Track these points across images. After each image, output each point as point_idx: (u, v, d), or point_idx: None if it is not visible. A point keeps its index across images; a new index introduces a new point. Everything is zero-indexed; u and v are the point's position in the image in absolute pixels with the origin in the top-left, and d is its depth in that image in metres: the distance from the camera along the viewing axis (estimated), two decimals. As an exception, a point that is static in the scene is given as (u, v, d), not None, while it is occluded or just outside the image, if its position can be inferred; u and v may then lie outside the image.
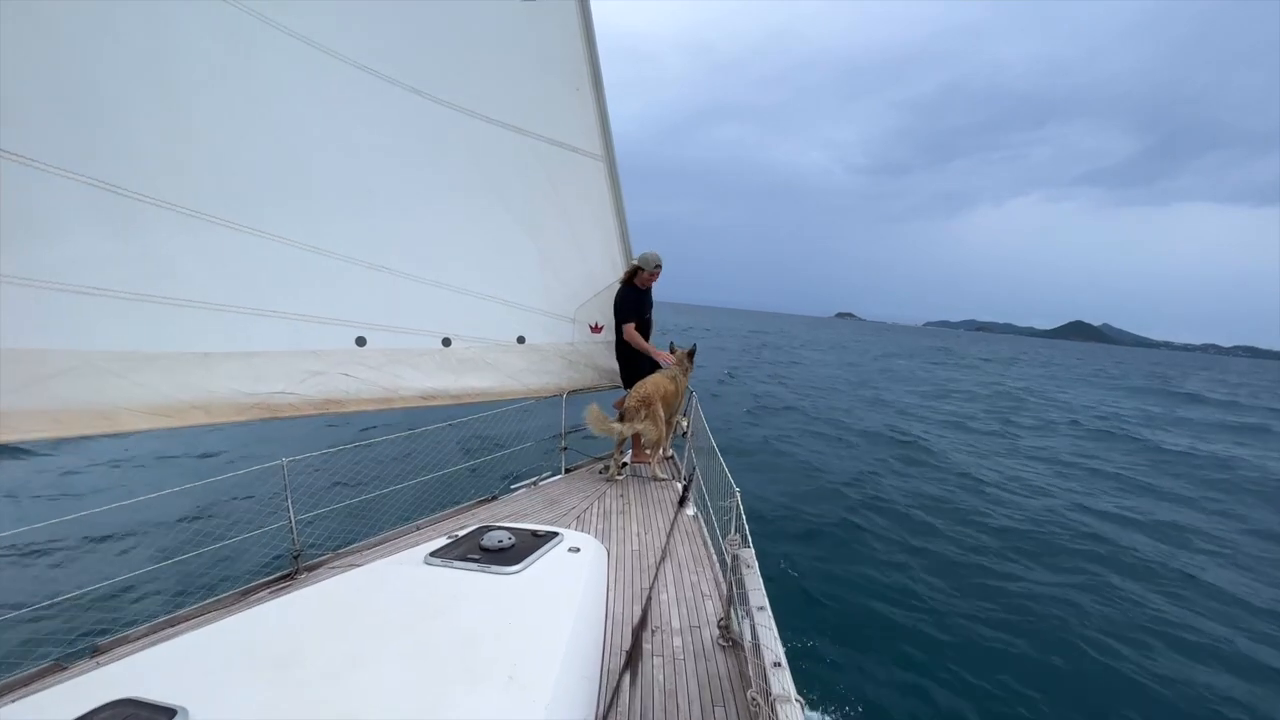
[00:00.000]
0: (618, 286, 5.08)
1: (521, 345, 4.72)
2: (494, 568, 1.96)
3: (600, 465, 4.64)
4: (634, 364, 4.80)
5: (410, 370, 4.16)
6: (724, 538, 2.80)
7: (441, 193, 4.20)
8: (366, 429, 8.38)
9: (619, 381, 5.19)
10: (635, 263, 4.87)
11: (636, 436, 4.43)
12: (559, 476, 4.62)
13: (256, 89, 3.27)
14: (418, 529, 3.61)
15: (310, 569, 3.05)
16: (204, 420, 3.24)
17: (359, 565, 2.76)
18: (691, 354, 5.06)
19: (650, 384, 4.45)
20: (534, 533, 2.36)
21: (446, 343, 4.34)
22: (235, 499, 5.72)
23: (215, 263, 3.27)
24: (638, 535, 3.47)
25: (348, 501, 3.64)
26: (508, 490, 4.27)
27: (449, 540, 2.28)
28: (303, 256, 3.64)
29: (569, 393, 4.85)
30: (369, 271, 3.94)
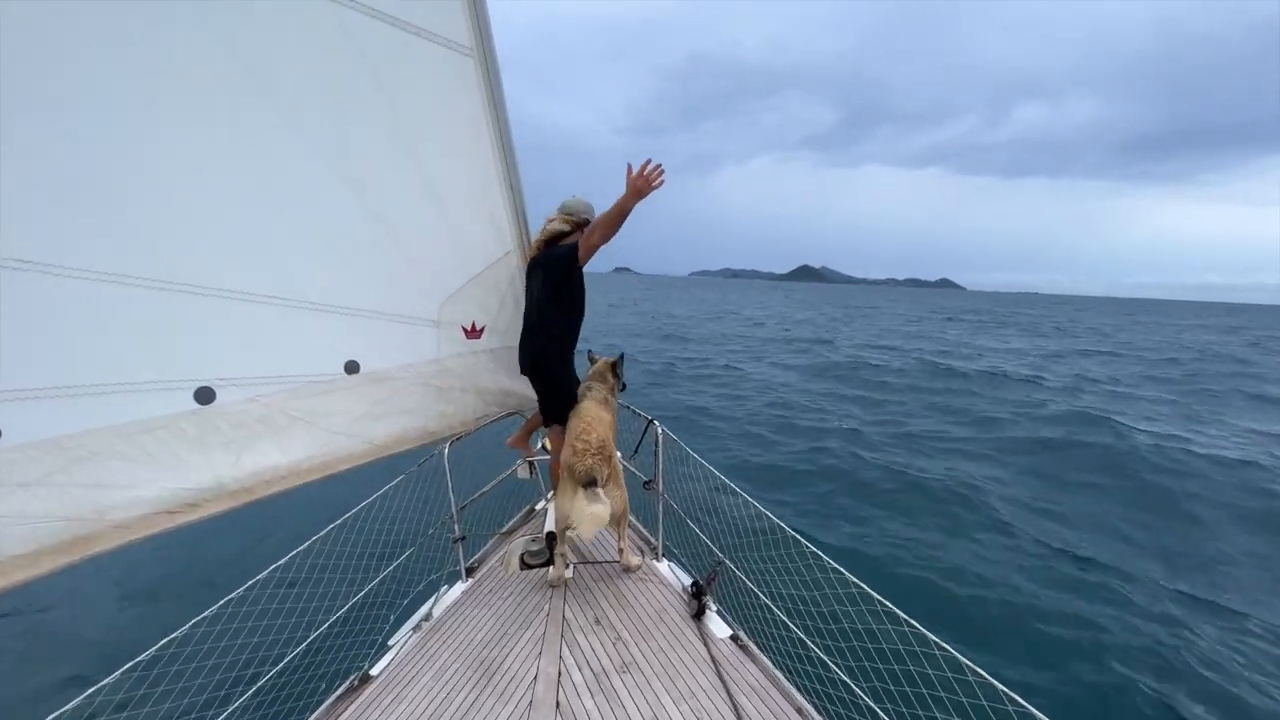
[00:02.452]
0: (509, 265, 3.30)
1: (354, 376, 2.81)
2: None
3: (518, 550, 3.00)
4: (569, 381, 3.14)
5: (123, 469, 2.11)
6: None
7: (168, 104, 2.05)
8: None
9: (520, 406, 3.52)
10: (568, 216, 3.12)
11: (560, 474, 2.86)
12: (461, 588, 2.93)
13: None
14: None
15: None
16: None
17: None
18: (615, 366, 3.43)
19: (594, 417, 2.89)
20: None
21: (204, 397, 2.31)
22: None
23: None
24: None
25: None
26: (384, 649, 2.51)
27: None
28: None
29: (452, 442, 3.09)
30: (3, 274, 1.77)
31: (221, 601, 1.91)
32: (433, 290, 3.08)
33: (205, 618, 1.86)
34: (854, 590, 1.93)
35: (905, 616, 1.78)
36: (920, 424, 10.58)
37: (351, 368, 2.80)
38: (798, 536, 2.22)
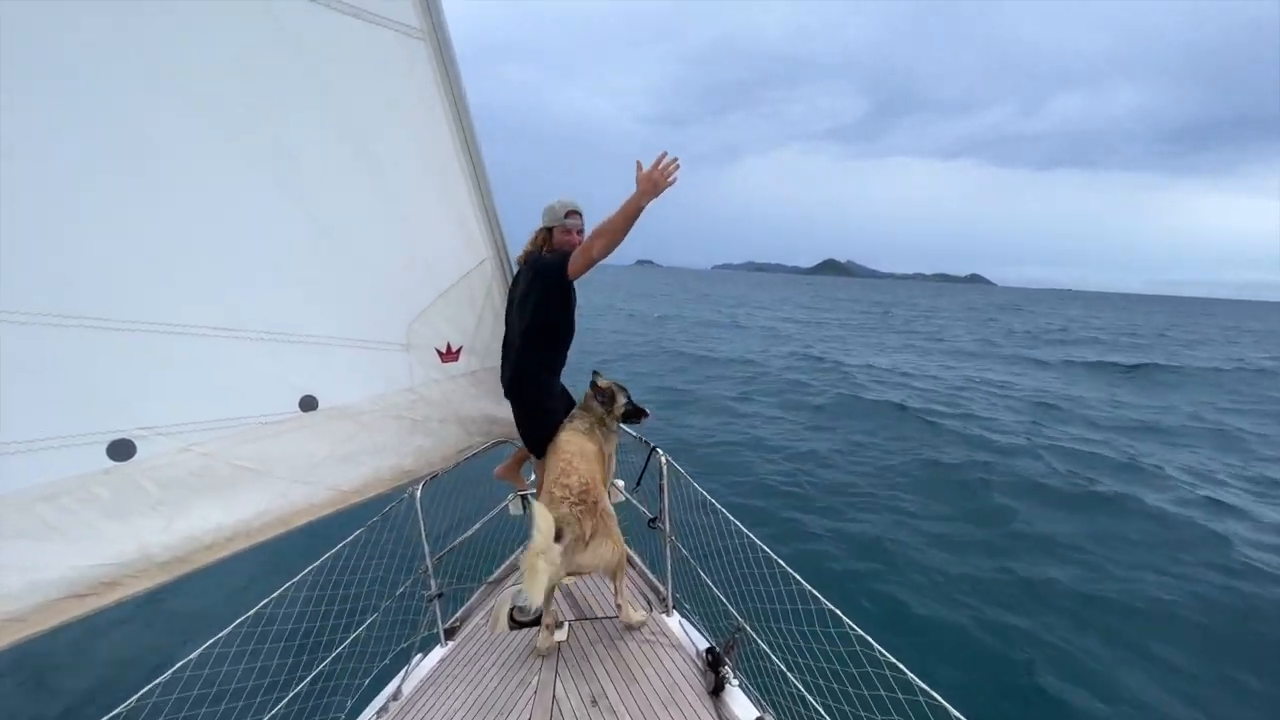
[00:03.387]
0: (484, 275, 2.94)
1: (312, 414, 2.43)
2: None
3: (507, 602, 2.55)
4: (551, 406, 2.74)
5: (15, 548, 1.73)
6: None
7: (60, 103, 1.70)
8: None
9: (508, 433, 3.12)
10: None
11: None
12: (438, 655, 2.50)
13: None
14: None
15: None
16: None
17: None
18: (602, 391, 2.77)
19: (575, 452, 2.44)
20: None
21: (121, 451, 1.93)
22: None
23: None
24: None
25: None
26: None
27: None
28: None
29: (425, 481, 2.69)
30: None
31: (115, 713, 1.48)
32: (399, 309, 2.71)
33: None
34: (921, 700, 1.49)
35: None
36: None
37: (308, 404, 2.42)
38: (836, 612, 1.79)
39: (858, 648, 1.72)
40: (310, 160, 2.31)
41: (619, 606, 2.57)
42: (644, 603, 2.76)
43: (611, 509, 2.46)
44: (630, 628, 2.57)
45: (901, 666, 1.60)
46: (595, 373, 2.88)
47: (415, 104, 2.53)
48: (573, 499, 2.21)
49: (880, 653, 1.67)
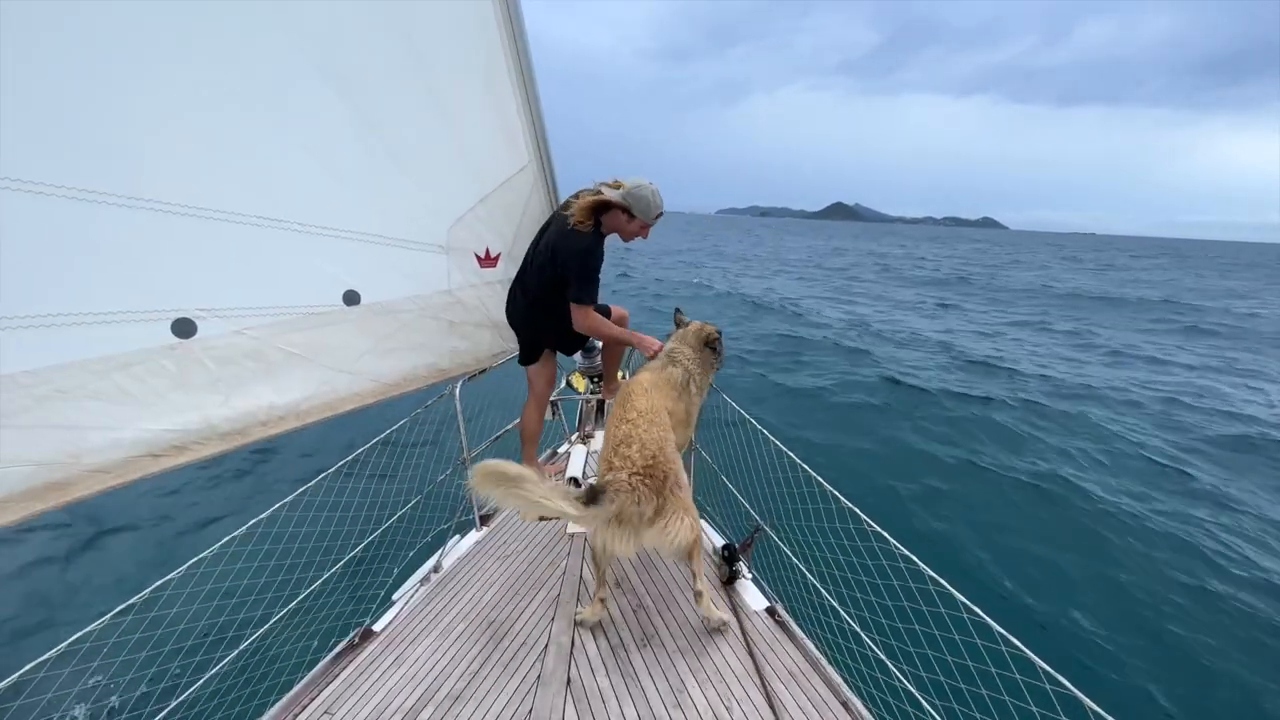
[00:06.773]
0: (526, 181, 2.92)
1: (355, 308, 2.54)
2: None
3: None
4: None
5: (98, 409, 1.93)
6: None
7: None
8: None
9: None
10: (614, 194, 2.46)
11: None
12: (474, 538, 2.71)
13: None
14: None
15: None
16: None
17: None
18: (710, 340, 2.54)
19: (640, 411, 2.06)
20: None
21: (184, 329, 2.08)
22: None
23: None
24: None
25: None
26: (388, 604, 2.33)
27: None
28: None
29: (465, 380, 2.82)
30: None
31: (192, 561, 1.73)
32: (440, 211, 2.73)
33: (170, 580, 1.69)
34: (931, 588, 1.60)
35: (1002, 631, 1.45)
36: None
37: (351, 298, 2.52)
38: (854, 509, 1.90)
39: (874, 542, 1.82)
40: (358, 55, 2.27)
41: (698, 595, 2.09)
42: (723, 602, 2.30)
43: (685, 479, 2.20)
44: (708, 622, 2.10)
45: (916, 559, 1.68)
46: (678, 311, 2.70)
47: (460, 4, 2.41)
48: (636, 469, 1.85)
49: (896, 547, 1.75)
